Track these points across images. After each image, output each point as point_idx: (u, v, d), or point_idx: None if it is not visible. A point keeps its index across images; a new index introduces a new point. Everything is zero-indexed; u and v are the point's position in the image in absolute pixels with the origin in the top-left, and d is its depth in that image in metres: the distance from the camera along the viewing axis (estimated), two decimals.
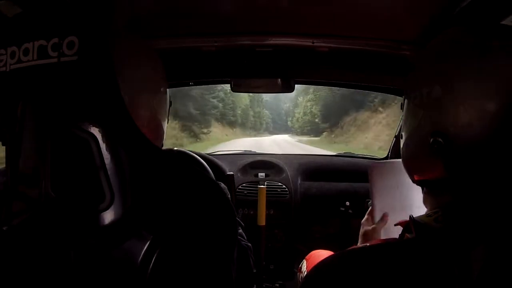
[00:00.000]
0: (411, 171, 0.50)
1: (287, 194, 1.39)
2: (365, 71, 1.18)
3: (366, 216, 0.75)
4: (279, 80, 1.22)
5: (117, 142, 0.40)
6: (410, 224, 0.41)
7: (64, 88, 0.38)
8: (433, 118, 0.43)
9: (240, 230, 0.76)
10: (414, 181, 0.49)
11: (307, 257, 0.98)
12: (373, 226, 0.71)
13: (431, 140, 0.42)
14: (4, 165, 0.42)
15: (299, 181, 1.44)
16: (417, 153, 0.47)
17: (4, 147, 0.41)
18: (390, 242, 0.42)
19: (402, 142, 0.51)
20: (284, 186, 1.40)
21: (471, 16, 0.69)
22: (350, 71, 1.21)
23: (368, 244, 0.48)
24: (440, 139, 0.41)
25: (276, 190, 1.39)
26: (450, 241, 0.37)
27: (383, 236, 0.69)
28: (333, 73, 1.27)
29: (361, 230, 0.74)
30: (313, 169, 1.50)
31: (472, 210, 0.39)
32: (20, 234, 0.39)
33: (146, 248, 0.40)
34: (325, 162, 1.59)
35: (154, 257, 0.40)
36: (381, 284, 0.36)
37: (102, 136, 0.39)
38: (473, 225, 0.38)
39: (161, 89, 0.51)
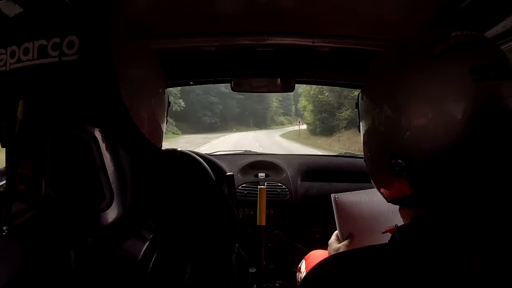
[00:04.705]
0: (379, 186, 0.48)
1: (287, 194, 1.39)
2: (365, 71, 1.18)
3: (333, 237, 0.80)
4: (279, 79, 1.23)
5: (117, 142, 0.40)
6: (395, 232, 0.41)
7: (64, 87, 0.38)
8: (389, 139, 0.41)
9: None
10: (387, 200, 0.48)
11: (306, 257, 0.98)
12: (343, 243, 0.74)
13: (392, 161, 0.40)
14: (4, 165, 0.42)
15: (299, 182, 1.44)
16: (381, 174, 0.45)
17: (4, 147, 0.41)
18: (384, 244, 0.42)
19: (365, 158, 0.49)
20: (284, 187, 1.40)
21: (471, 16, 0.69)
22: (350, 71, 1.21)
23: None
24: (399, 161, 0.39)
25: (276, 191, 1.39)
26: (439, 245, 0.37)
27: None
28: (333, 73, 1.27)
29: (330, 248, 0.78)
30: (313, 169, 1.49)
31: (448, 219, 0.39)
32: (20, 234, 0.39)
33: (146, 248, 0.40)
34: (325, 162, 1.58)
35: (154, 257, 0.40)
36: (379, 284, 0.36)
37: (102, 136, 0.39)
38: (463, 229, 0.38)
39: (160, 89, 0.51)
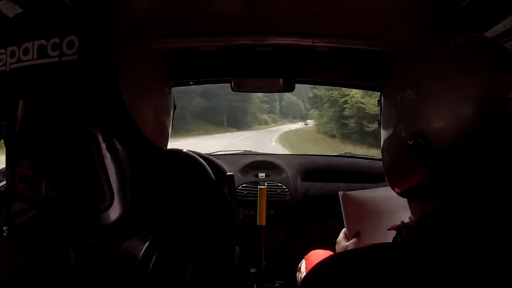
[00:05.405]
0: (395, 181, 0.49)
1: (287, 194, 1.39)
2: (365, 71, 1.18)
3: (341, 234, 0.80)
4: (280, 79, 1.22)
5: (117, 142, 0.40)
6: (402, 228, 0.41)
7: (64, 87, 0.38)
8: (411, 121, 0.43)
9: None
10: (399, 194, 0.49)
11: (306, 256, 0.99)
12: (352, 241, 0.74)
13: (411, 142, 0.42)
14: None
15: (299, 182, 1.44)
16: (399, 157, 0.46)
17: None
18: (386, 243, 0.42)
19: (383, 152, 0.50)
20: (284, 187, 1.40)
21: (471, 16, 0.69)
22: (350, 71, 1.21)
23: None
24: (420, 140, 0.41)
25: (276, 191, 1.39)
26: (440, 244, 0.37)
27: None
28: (334, 73, 1.27)
29: (338, 247, 0.78)
30: (313, 169, 1.49)
31: (461, 213, 0.39)
32: (20, 234, 0.39)
33: (146, 248, 0.40)
34: (326, 162, 1.59)
35: (154, 257, 0.40)
36: (379, 284, 0.36)
37: (102, 136, 0.39)
38: (464, 228, 0.38)
39: (164, 89, 0.50)
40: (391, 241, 0.44)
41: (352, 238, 0.75)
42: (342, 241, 0.77)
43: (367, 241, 0.73)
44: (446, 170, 0.40)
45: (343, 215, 0.79)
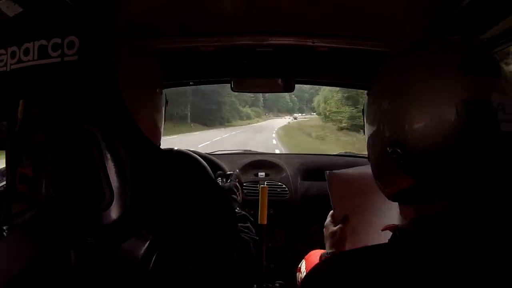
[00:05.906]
0: (383, 185, 0.49)
1: (287, 193, 1.39)
2: (365, 71, 1.18)
3: (328, 218, 0.78)
4: (280, 79, 1.23)
5: (117, 142, 0.40)
6: (396, 232, 0.42)
7: (65, 88, 0.38)
8: (387, 130, 0.43)
9: (248, 224, 0.75)
10: (388, 197, 0.49)
11: (306, 256, 0.98)
12: (339, 226, 0.73)
13: (390, 150, 0.42)
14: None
15: (299, 181, 1.44)
16: (381, 166, 0.47)
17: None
18: (383, 244, 0.42)
19: (368, 154, 0.51)
20: (284, 186, 1.40)
21: (471, 16, 0.69)
22: (350, 71, 1.21)
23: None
24: (397, 149, 0.41)
25: (276, 190, 1.39)
26: (438, 245, 0.37)
27: (350, 235, 0.72)
28: (334, 73, 1.27)
29: (327, 232, 0.76)
30: (313, 168, 1.49)
31: (455, 215, 0.39)
32: (20, 234, 0.39)
33: (146, 248, 0.40)
34: (326, 161, 1.59)
35: (154, 257, 0.40)
36: (379, 285, 0.36)
37: (102, 136, 0.39)
38: (462, 229, 0.38)
39: (158, 89, 0.51)
40: (379, 226, 0.45)
41: (340, 222, 0.73)
42: (330, 226, 0.75)
43: (355, 225, 0.71)
44: (425, 174, 0.41)
45: (330, 197, 0.76)
